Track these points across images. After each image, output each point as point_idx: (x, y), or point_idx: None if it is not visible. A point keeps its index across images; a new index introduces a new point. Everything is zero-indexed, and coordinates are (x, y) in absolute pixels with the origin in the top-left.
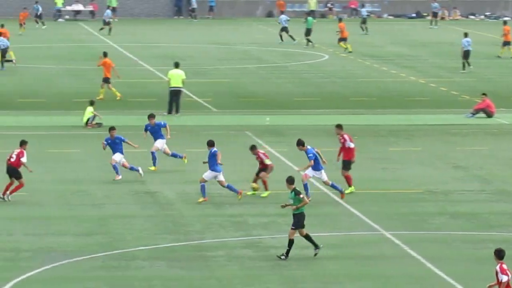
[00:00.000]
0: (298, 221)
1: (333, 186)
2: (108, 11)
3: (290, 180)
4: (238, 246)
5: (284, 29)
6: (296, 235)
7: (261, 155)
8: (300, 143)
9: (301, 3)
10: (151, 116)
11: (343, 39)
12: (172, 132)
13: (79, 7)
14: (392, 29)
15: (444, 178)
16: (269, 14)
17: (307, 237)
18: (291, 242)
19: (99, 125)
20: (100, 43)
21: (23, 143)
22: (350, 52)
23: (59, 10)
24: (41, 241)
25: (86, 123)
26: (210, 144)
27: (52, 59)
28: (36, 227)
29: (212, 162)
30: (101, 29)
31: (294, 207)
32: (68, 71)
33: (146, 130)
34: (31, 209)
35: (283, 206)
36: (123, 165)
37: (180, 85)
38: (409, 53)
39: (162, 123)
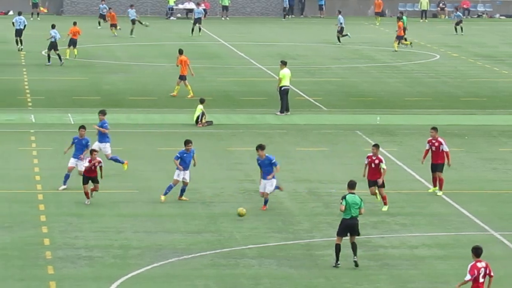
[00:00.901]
0: (339, 227)
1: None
2: (199, 9)
3: (350, 185)
4: (347, 245)
5: (342, 29)
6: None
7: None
8: (261, 147)
9: (413, 3)
10: (101, 113)
11: (400, 37)
12: (282, 130)
13: (191, 5)
14: (504, 29)
15: None
16: (381, 13)
17: (338, 247)
18: (336, 248)
19: (209, 123)
20: (211, 42)
21: (92, 152)
22: (395, 51)
23: (171, 9)
24: (151, 238)
25: (196, 121)
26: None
27: (163, 57)
28: (146, 225)
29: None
30: (200, 30)
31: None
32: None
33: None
34: (141, 206)
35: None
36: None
37: (289, 84)
38: None
39: (105, 125)
